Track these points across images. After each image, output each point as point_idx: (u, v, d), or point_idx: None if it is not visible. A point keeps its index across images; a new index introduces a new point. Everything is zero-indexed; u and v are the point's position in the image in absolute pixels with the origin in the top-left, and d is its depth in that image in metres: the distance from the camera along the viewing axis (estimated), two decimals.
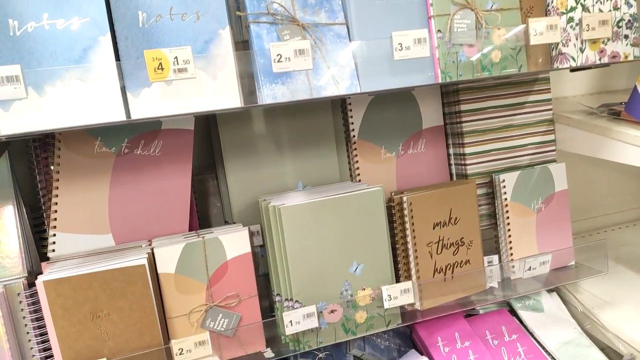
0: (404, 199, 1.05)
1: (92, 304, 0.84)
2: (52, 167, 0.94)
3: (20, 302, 0.88)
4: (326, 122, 1.14)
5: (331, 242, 0.98)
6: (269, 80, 0.83)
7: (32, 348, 0.88)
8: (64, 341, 0.84)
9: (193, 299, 0.93)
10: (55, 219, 0.94)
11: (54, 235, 0.94)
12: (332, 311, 0.99)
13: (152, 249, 0.91)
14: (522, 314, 1.23)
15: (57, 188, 0.94)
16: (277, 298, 1.01)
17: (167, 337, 0.91)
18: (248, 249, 0.96)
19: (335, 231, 0.98)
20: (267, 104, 0.84)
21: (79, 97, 0.74)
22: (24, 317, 0.88)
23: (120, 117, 0.76)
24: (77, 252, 0.95)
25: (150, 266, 0.88)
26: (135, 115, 0.77)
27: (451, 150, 1.24)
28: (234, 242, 0.95)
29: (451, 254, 1.10)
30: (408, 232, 1.05)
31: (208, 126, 1.13)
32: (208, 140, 1.15)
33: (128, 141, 0.98)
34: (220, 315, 0.95)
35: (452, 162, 1.24)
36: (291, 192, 1.08)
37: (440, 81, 0.91)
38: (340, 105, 1.16)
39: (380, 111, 1.16)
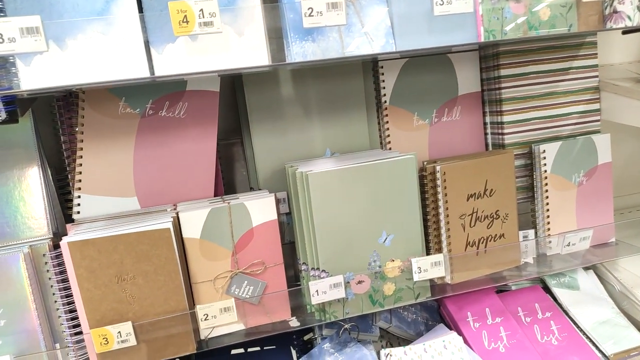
0: (437, 168, 1.00)
1: (117, 266, 0.83)
2: (76, 128, 0.93)
3: (46, 263, 0.87)
4: (356, 86, 1.09)
5: (360, 211, 0.94)
6: (299, 37, 0.78)
7: (58, 309, 0.88)
8: (89, 303, 0.83)
9: (218, 265, 0.91)
10: (80, 181, 0.93)
11: (79, 197, 0.93)
12: (359, 282, 0.96)
13: (177, 213, 0.89)
14: (557, 291, 1.18)
15: (82, 149, 0.92)
16: (303, 267, 0.98)
17: (192, 303, 0.90)
18: (274, 216, 0.93)
19: (364, 200, 0.94)
20: (296, 62, 0.79)
21: (102, 51, 0.71)
22: (49, 279, 0.87)
23: (144, 73, 0.73)
24: (102, 214, 0.94)
25: (175, 230, 0.86)
26: (159, 71, 0.74)
27: (488, 119, 1.17)
28: (260, 208, 0.92)
29: (485, 227, 1.05)
30: (440, 203, 1.01)
31: (234, 89, 1.09)
32: (234, 104, 1.11)
33: (152, 102, 0.95)
34: (246, 282, 0.93)
35: (489, 131, 1.17)
36: (319, 159, 1.04)
37: (482, 40, 0.85)
38: (371, 68, 1.10)
39: (414, 75, 1.10)
